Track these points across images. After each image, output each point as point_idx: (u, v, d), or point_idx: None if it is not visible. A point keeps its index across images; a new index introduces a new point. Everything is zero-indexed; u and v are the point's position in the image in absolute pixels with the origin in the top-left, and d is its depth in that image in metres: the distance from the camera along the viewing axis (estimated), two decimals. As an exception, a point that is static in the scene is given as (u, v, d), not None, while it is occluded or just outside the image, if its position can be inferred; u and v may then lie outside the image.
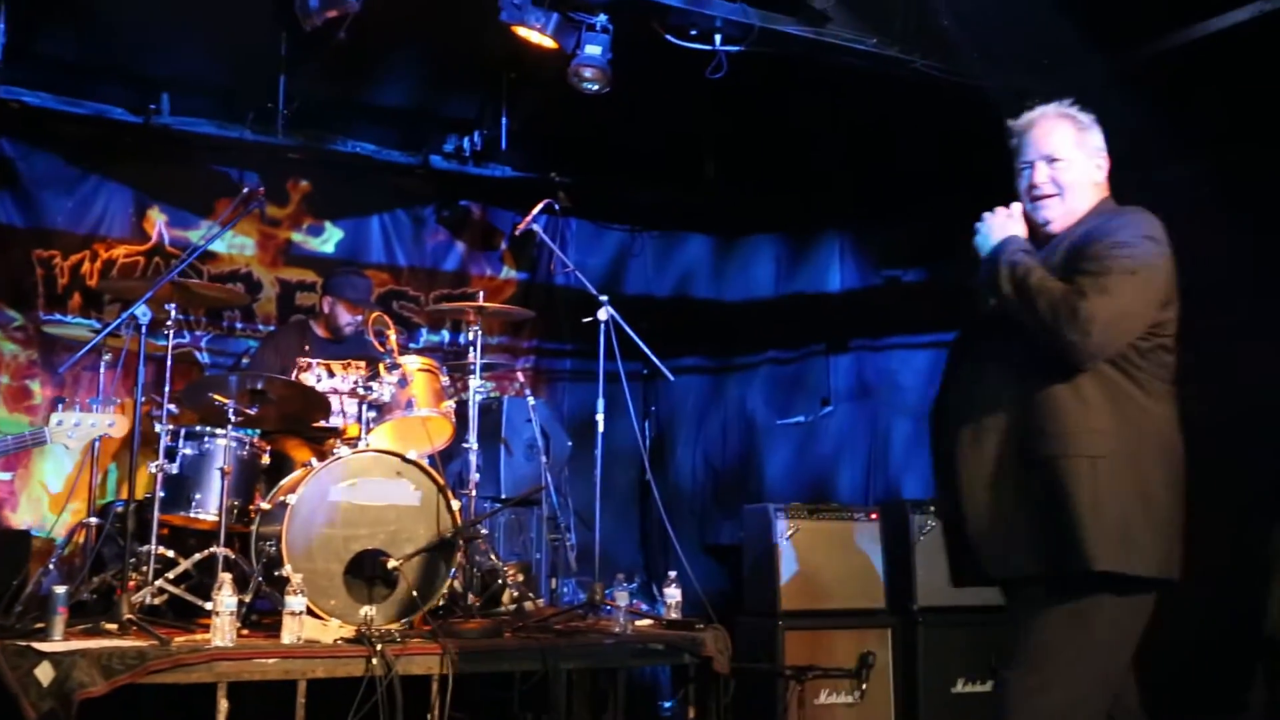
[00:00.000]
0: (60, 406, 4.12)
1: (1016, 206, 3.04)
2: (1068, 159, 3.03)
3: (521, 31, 5.14)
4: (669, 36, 5.36)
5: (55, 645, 3.85)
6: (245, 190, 5.21)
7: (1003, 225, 3.01)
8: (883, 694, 5.46)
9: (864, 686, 5.39)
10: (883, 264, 7.59)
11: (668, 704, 5.65)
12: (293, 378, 5.48)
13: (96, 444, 4.83)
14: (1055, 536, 2.72)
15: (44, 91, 6.11)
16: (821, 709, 5.32)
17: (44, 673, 3.68)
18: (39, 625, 4.06)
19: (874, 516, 5.69)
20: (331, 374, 5.66)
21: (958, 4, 5.49)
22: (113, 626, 4.21)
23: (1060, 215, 3.03)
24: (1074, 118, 3.08)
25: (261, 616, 4.70)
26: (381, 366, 5.09)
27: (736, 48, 5.40)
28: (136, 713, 4.17)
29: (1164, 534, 2.84)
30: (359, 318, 5.87)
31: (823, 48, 5.51)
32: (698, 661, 4.79)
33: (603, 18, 5.24)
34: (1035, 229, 3.07)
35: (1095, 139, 3.09)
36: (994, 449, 2.87)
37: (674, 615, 5.13)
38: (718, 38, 5.39)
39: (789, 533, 5.46)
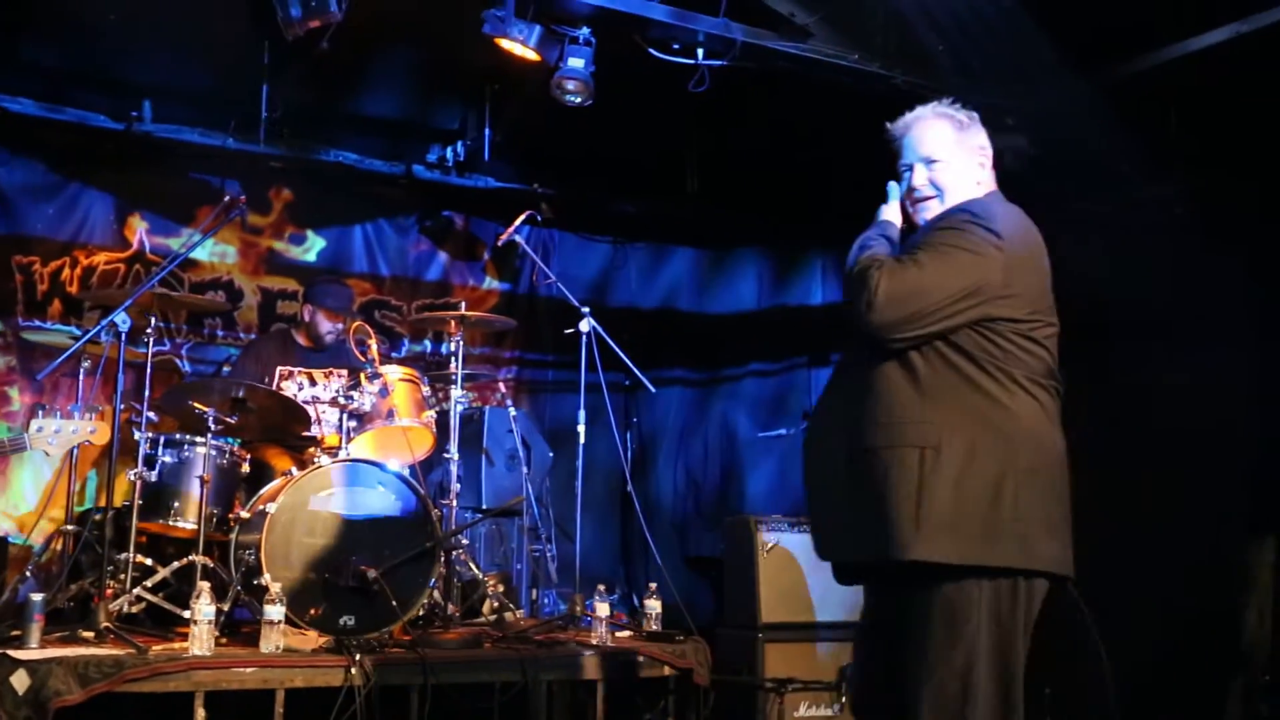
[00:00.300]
0: (40, 413, 4.10)
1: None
2: (946, 160, 2.96)
3: (504, 43, 5.14)
4: (652, 50, 5.38)
5: (31, 653, 3.84)
6: (227, 198, 5.21)
7: (883, 213, 3.03)
8: (862, 706, 5.45)
9: (844, 699, 5.38)
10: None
11: (647, 716, 5.63)
12: (274, 386, 5.46)
13: (75, 451, 4.83)
14: (878, 525, 2.67)
15: (25, 98, 6.06)
16: (801, 721, 5.32)
17: (20, 681, 3.67)
18: (15, 633, 4.04)
19: (853, 529, 5.68)
20: (313, 382, 5.66)
21: (937, 21, 5.53)
22: (90, 635, 4.20)
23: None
24: (953, 117, 3.01)
25: (240, 626, 4.68)
26: (363, 376, 5.07)
27: (719, 62, 5.41)
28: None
29: (1016, 526, 2.69)
30: (340, 326, 5.85)
31: (804, 63, 5.54)
32: (678, 673, 4.80)
33: (585, 31, 5.24)
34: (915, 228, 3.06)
35: (976, 138, 3.02)
36: (837, 442, 2.82)
37: (654, 627, 5.12)
38: (700, 52, 5.41)
39: (769, 545, 5.46)
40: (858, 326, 2.74)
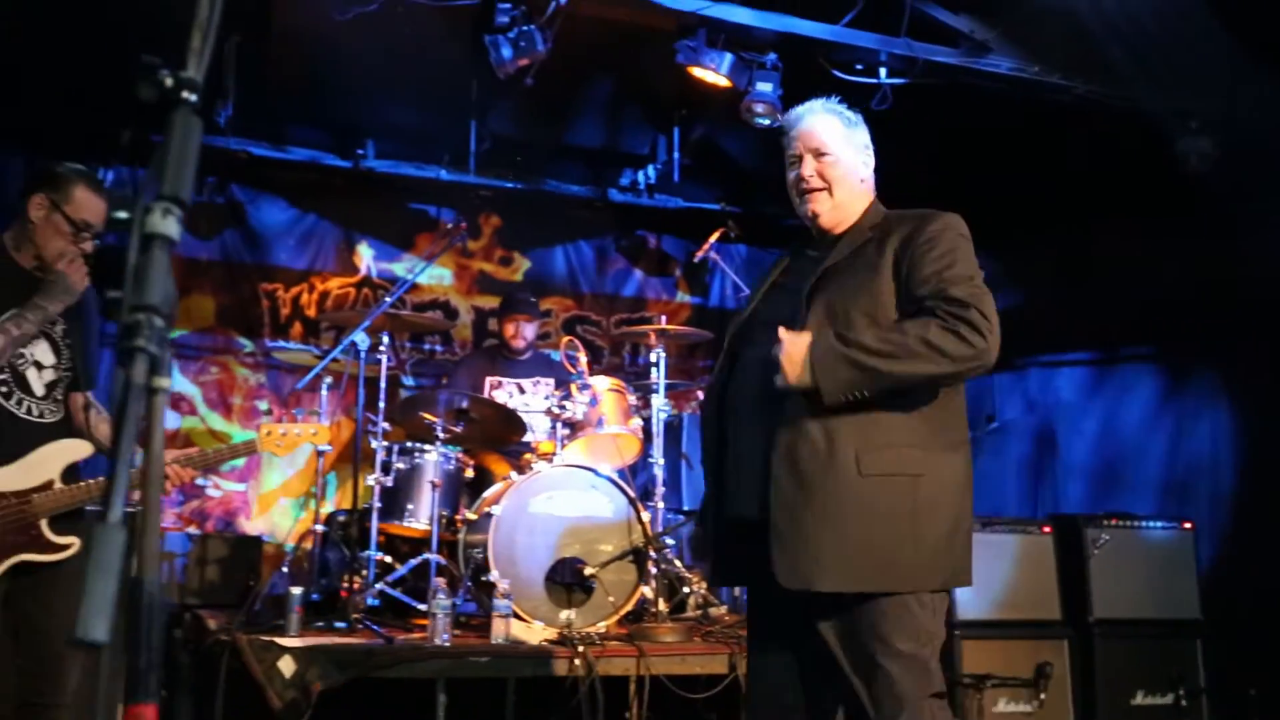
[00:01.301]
0: (267, 418, 4.32)
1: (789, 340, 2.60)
2: (835, 154, 2.87)
3: (697, 72, 5.20)
4: (836, 71, 5.36)
5: (294, 641, 4.05)
6: (450, 225, 5.38)
7: (793, 353, 2.57)
8: (1061, 704, 5.29)
9: (1042, 696, 5.24)
10: (1044, 285, 7.41)
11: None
12: (486, 396, 5.62)
13: (320, 458, 5.06)
14: (877, 554, 2.61)
15: (266, 142, 6.41)
16: (1001, 716, 5.18)
17: (286, 665, 3.87)
18: (278, 622, 4.26)
19: (1046, 530, 5.53)
20: (521, 391, 5.80)
21: (1118, 29, 5.35)
22: (341, 625, 4.40)
23: (828, 210, 2.87)
24: (841, 114, 2.94)
25: (469, 618, 4.83)
26: (574, 387, 5.18)
27: (901, 80, 5.37)
28: (362, 704, 4.34)
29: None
30: (533, 326, 5.98)
31: (985, 76, 5.44)
32: (878, 666, 4.75)
33: (772, 56, 5.27)
34: (805, 220, 2.94)
35: (862, 136, 2.96)
36: (820, 460, 2.62)
37: (853, 621, 5.08)
38: (882, 71, 5.37)
39: (961, 544, 5.35)
40: (979, 369, 2.66)
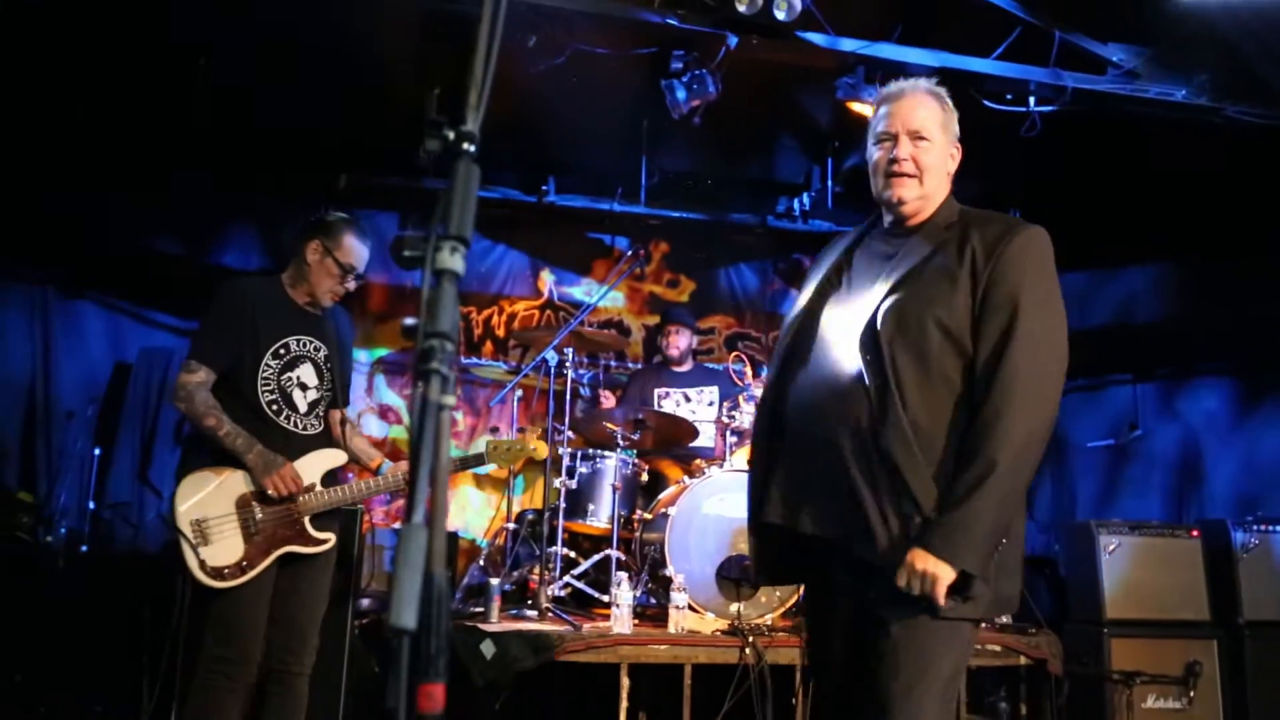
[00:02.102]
0: (494, 434, 4.46)
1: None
2: (933, 139, 2.49)
3: (856, 106, 5.15)
4: (986, 101, 5.25)
5: (493, 626, 4.14)
6: (628, 253, 5.44)
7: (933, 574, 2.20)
8: (1211, 702, 5.05)
9: (1191, 694, 5.01)
10: (1187, 301, 7.12)
11: (995, 699, 5.44)
12: (655, 405, 5.66)
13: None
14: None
15: (463, 180, 6.60)
16: (1150, 713, 4.98)
17: (487, 648, 3.96)
18: (478, 610, 4.38)
19: (1195, 534, 5.29)
20: (688, 399, 5.82)
21: (1270, 48, 5.10)
22: (533, 613, 4.48)
23: (915, 198, 2.48)
24: (943, 97, 2.56)
25: (644, 609, 4.87)
26: (740, 398, 5.17)
27: (1050, 108, 5.22)
28: (553, 684, 4.42)
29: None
30: (686, 336, 6.00)
31: (1133, 102, 5.25)
32: (1032, 663, 4.61)
33: (926, 88, 5.17)
34: (884, 204, 2.54)
35: (956, 125, 2.58)
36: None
37: (1005, 620, 4.94)
38: (1032, 100, 5.24)
39: (1110, 547, 5.17)
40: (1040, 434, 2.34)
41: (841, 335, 2.42)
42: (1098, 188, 6.77)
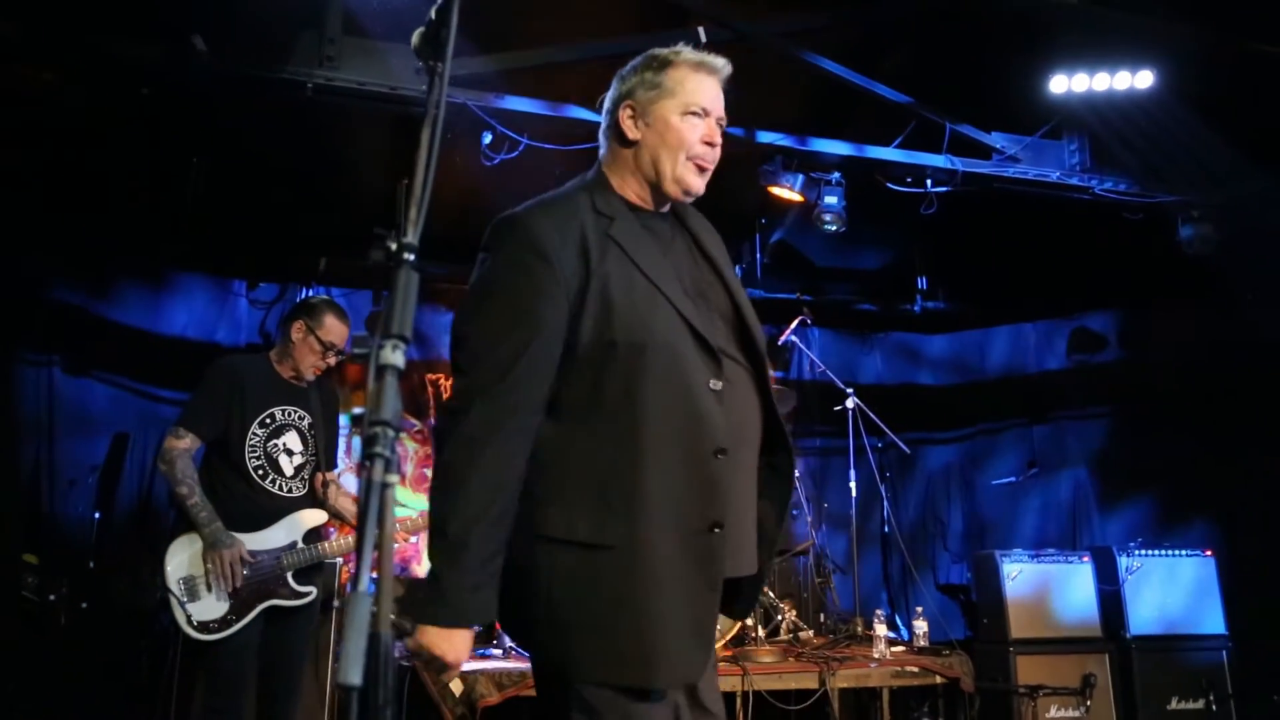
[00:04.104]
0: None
1: None
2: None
3: (775, 190, 5.28)
4: (890, 184, 5.40)
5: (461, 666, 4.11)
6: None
7: None
8: (1105, 709, 5.11)
9: (1088, 703, 5.06)
10: (1071, 351, 7.32)
11: (919, 716, 5.46)
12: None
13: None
14: None
15: (431, 262, 6.53)
16: (1052, 722, 5.04)
17: (456, 686, 3.93)
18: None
19: (1085, 559, 5.38)
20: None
21: (1125, 138, 5.32)
22: (498, 652, 4.45)
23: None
24: None
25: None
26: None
27: (945, 188, 5.38)
28: (518, 717, 4.37)
29: None
30: None
31: (1015, 182, 5.43)
32: (946, 681, 4.65)
33: (837, 174, 5.32)
34: (676, 185, 1.93)
35: None
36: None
37: (923, 643, 4.99)
38: (929, 182, 5.39)
39: (1013, 574, 5.24)
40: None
41: (730, 346, 1.93)
42: (992, 256, 6.97)
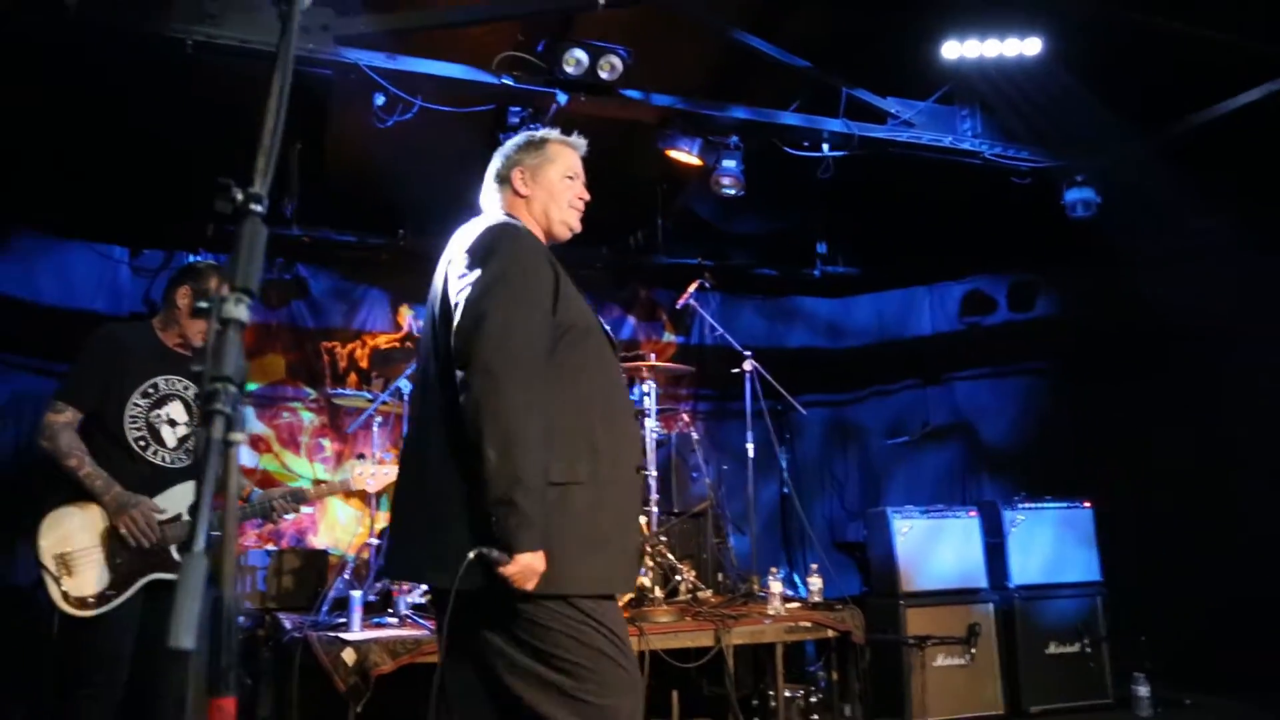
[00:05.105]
0: (362, 459, 4.36)
1: None
2: None
3: (673, 154, 5.27)
4: (787, 149, 5.43)
5: (355, 635, 4.05)
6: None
7: None
8: (989, 656, 5.32)
9: (973, 651, 5.26)
10: (963, 314, 7.52)
11: (814, 668, 5.60)
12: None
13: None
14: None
15: (324, 227, 6.45)
16: (940, 670, 5.21)
17: (349, 655, 3.87)
18: (341, 620, 4.27)
19: (973, 513, 5.57)
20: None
21: (1015, 104, 5.44)
22: (394, 621, 4.40)
23: None
24: None
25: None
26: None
27: (841, 153, 5.44)
28: (414, 686, 4.33)
29: None
30: None
31: (910, 147, 5.51)
32: (839, 635, 4.76)
33: (735, 138, 5.33)
34: (561, 226, 2.55)
35: None
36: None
37: (817, 599, 5.10)
38: (825, 146, 5.44)
39: (904, 530, 5.39)
40: None
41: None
42: (887, 221, 7.09)
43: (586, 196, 2.59)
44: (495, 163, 2.58)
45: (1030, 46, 5.05)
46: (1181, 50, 4.84)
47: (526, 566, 2.06)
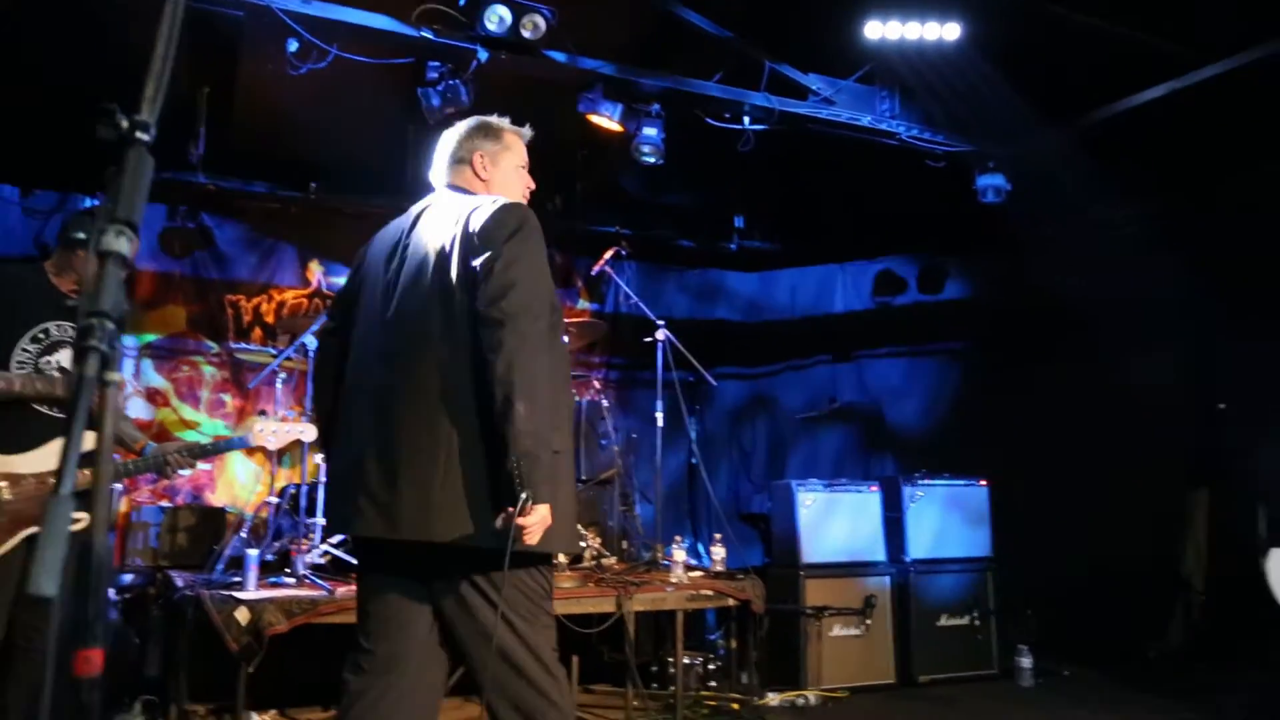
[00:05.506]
0: (263, 417, 4.23)
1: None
2: None
3: (594, 118, 5.21)
4: (709, 119, 5.42)
5: (250, 594, 3.96)
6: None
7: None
8: (883, 627, 5.46)
9: (868, 622, 5.39)
10: (875, 293, 7.65)
11: (714, 637, 5.68)
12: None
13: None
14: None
15: (232, 177, 6.22)
16: (836, 640, 5.32)
17: (242, 615, 3.79)
18: (236, 579, 4.17)
19: (874, 488, 5.69)
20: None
21: (933, 87, 5.52)
22: (291, 581, 4.31)
23: None
24: None
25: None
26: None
27: (762, 126, 5.45)
28: (311, 647, 4.26)
29: None
30: None
31: (829, 125, 5.56)
32: (739, 604, 4.83)
33: (656, 106, 5.30)
34: None
35: None
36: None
37: (720, 568, 5.16)
38: (746, 119, 5.45)
39: (808, 503, 5.47)
40: None
41: None
42: (805, 198, 7.16)
43: (534, 185, 2.73)
44: (449, 143, 2.68)
45: (950, 31, 5.13)
46: (1095, 44, 4.96)
47: (543, 518, 2.18)
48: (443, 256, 2.40)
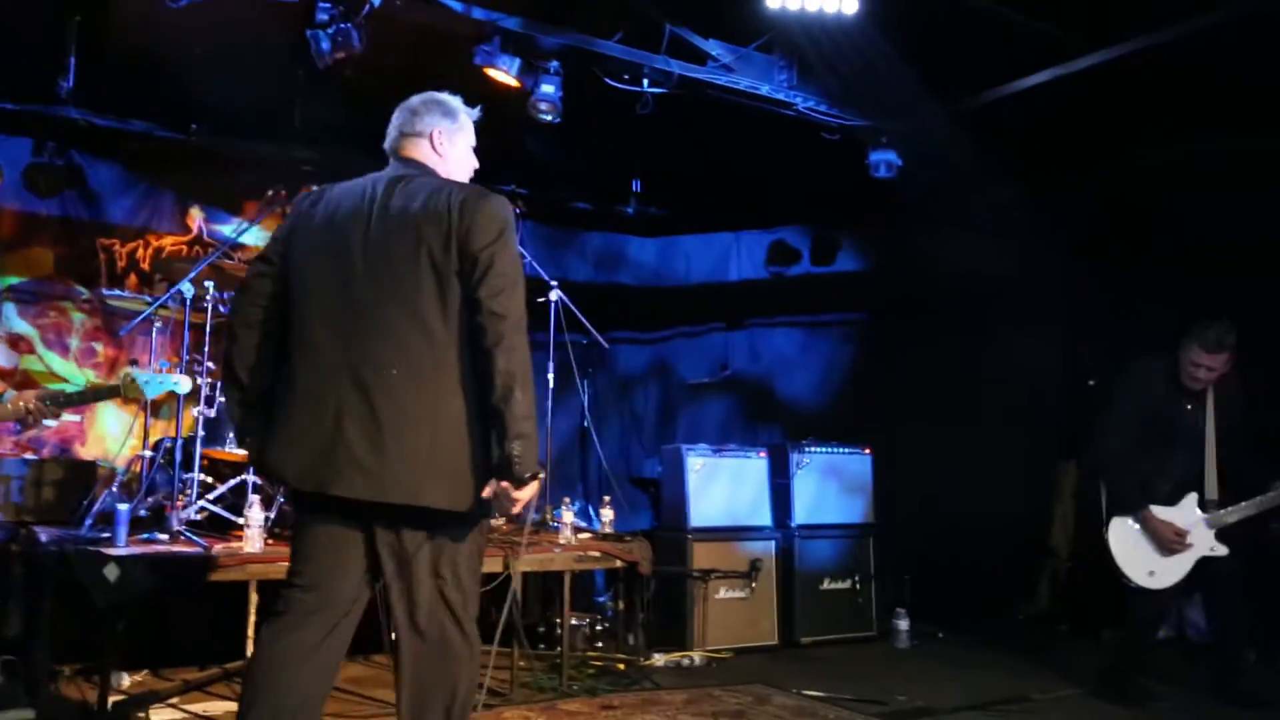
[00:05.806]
0: (134, 366, 4.04)
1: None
2: None
3: (491, 72, 5.10)
4: (607, 79, 5.37)
5: (119, 550, 3.81)
6: (269, 193, 5.12)
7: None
8: (768, 590, 5.58)
9: (754, 585, 5.50)
10: (769, 263, 7.74)
11: (602, 598, 5.72)
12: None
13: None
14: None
15: (107, 113, 5.90)
16: (721, 602, 5.42)
17: (111, 572, 3.64)
18: (106, 535, 4.00)
19: (762, 455, 5.78)
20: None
21: (830, 60, 5.57)
22: (165, 536, 4.17)
23: None
24: None
25: (283, 529, 4.64)
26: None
27: (661, 89, 5.42)
28: (185, 604, 4.14)
29: None
30: None
31: (727, 91, 5.56)
32: (627, 566, 4.86)
33: (555, 63, 5.22)
34: None
35: None
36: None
37: (608, 531, 5.18)
38: (645, 81, 5.41)
39: (697, 467, 5.54)
40: None
41: None
42: (703, 165, 7.17)
43: (477, 165, 2.85)
44: (403, 116, 2.76)
45: (848, 5, 5.17)
46: (989, 26, 5.07)
47: (533, 491, 2.44)
48: (434, 236, 2.46)
